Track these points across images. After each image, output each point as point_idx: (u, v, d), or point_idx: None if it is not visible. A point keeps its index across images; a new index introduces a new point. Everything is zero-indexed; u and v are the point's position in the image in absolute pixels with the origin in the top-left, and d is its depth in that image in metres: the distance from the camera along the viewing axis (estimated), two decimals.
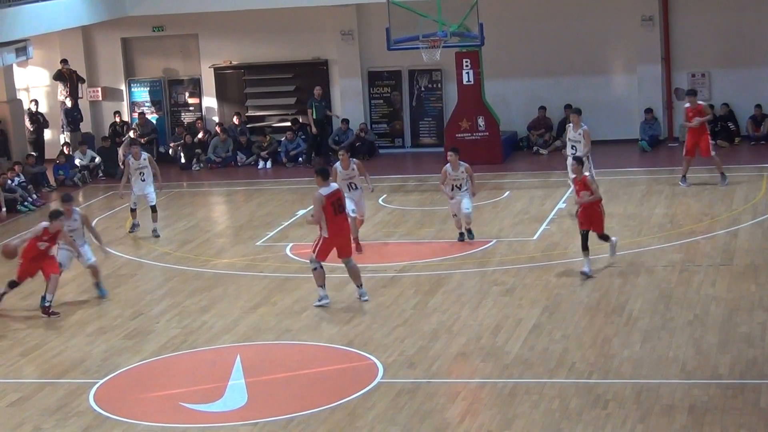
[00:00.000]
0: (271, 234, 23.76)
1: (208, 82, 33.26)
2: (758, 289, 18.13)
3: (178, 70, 33.76)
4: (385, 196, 25.32)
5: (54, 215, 19.36)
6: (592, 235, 19.41)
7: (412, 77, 32.01)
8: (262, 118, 33.06)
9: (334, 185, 18.80)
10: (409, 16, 27.54)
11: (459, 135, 29.50)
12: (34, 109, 32.29)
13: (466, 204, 21.35)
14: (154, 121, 33.27)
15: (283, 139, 31.40)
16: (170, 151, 32.34)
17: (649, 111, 30.31)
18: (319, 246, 18.49)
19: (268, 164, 31.24)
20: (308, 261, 18.92)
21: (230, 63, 33.09)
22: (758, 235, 21.29)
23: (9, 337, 18.38)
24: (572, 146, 23.67)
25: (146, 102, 33.66)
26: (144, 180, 23.89)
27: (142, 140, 31.34)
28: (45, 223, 19.29)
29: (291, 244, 22.71)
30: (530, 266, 20.20)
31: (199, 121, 32.64)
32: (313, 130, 30.72)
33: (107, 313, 19.16)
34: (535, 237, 22.11)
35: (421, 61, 28.26)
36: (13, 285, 19.48)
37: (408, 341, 16.83)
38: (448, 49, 28.38)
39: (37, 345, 17.80)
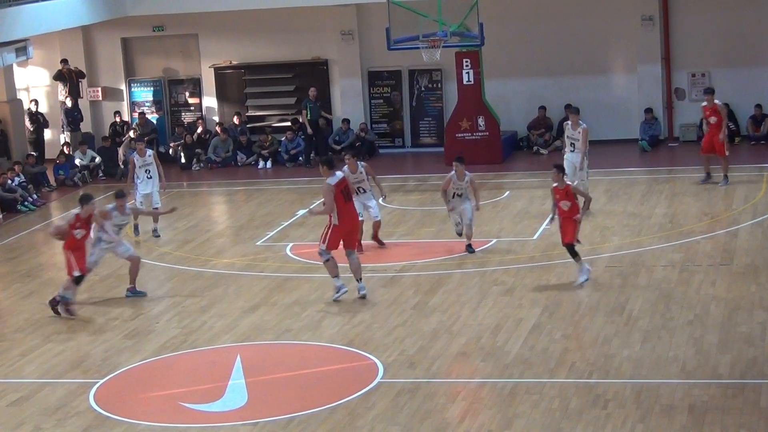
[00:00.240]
0: (271, 234, 23.76)
1: (209, 81, 33.27)
2: (758, 288, 18.13)
3: (178, 70, 33.76)
4: (384, 196, 25.30)
5: (84, 200, 19.16)
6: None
7: (412, 77, 32.01)
8: (262, 118, 33.07)
9: (340, 174, 18.82)
10: (409, 16, 27.53)
11: (459, 135, 29.52)
12: (34, 109, 32.30)
13: (468, 210, 20.93)
14: (155, 121, 33.28)
15: (283, 139, 31.41)
16: (170, 151, 32.34)
17: (649, 111, 30.32)
18: (329, 235, 18.53)
19: (269, 164, 31.24)
20: (318, 254, 18.81)
21: (230, 63, 33.09)
22: (758, 234, 21.29)
23: (9, 337, 18.38)
24: (571, 144, 23.68)
25: (146, 102, 33.67)
26: (150, 177, 23.63)
27: (144, 139, 31.33)
28: (76, 210, 19.10)
29: (291, 244, 22.72)
30: (530, 266, 20.20)
31: (200, 121, 32.64)
32: (309, 130, 30.74)
33: (107, 313, 19.15)
34: (535, 237, 22.11)
35: (421, 60, 28.26)
36: (79, 280, 19.03)
37: (408, 341, 16.83)
38: (448, 49, 28.38)
39: (37, 345, 17.79)
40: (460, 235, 21.24)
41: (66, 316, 18.87)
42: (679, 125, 30.75)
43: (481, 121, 29.49)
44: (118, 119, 33.15)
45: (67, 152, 30.91)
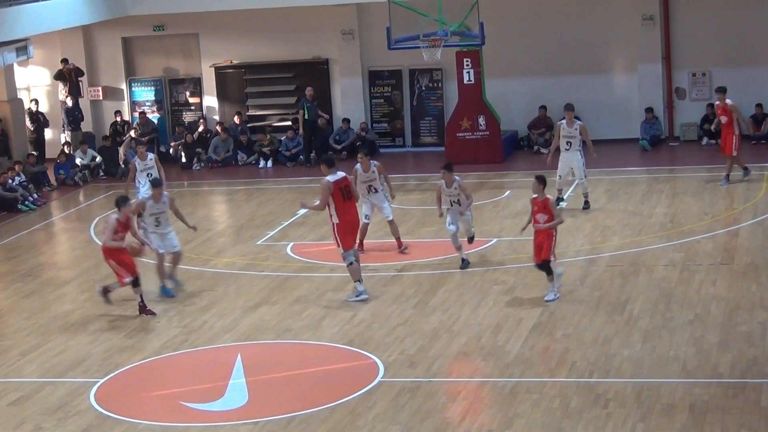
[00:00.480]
0: (272, 233, 23.76)
1: (209, 81, 33.28)
2: (759, 288, 18.13)
3: (178, 70, 33.77)
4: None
5: (122, 202, 18.81)
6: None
7: (413, 76, 32.02)
8: (262, 118, 33.08)
9: (341, 173, 18.73)
10: (410, 16, 27.53)
11: (460, 134, 29.53)
12: (34, 108, 32.31)
13: (466, 216, 20.25)
14: (155, 121, 33.28)
15: (283, 138, 31.41)
16: (171, 151, 32.35)
17: (649, 110, 30.32)
18: (338, 237, 18.56)
19: (269, 163, 31.25)
20: (343, 259, 18.75)
21: (231, 62, 33.10)
22: (759, 234, 21.29)
23: (10, 336, 18.39)
24: (567, 142, 23.70)
25: (147, 101, 33.67)
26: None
27: (143, 139, 31.35)
28: (115, 215, 18.74)
29: (292, 244, 22.72)
30: (531, 265, 20.13)
31: (202, 121, 32.65)
32: (300, 130, 30.77)
33: (108, 312, 19.15)
34: None
35: (421, 60, 28.25)
36: (136, 283, 18.72)
37: (408, 340, 16.83)
38: (449, 49, 28.39)
39: (38, 344, 17.80)
40: (455, 242, 20.19)
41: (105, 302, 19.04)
42: (680, 125, 30.75)
43: (481, 121, 29.50)
44: (118, 119, 33.16)
45: (67, 152, 30.92)
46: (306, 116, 30.65)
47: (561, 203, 24.12)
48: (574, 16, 30.88)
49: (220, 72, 33.15)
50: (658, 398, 14.17)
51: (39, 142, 32.02)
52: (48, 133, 32.74)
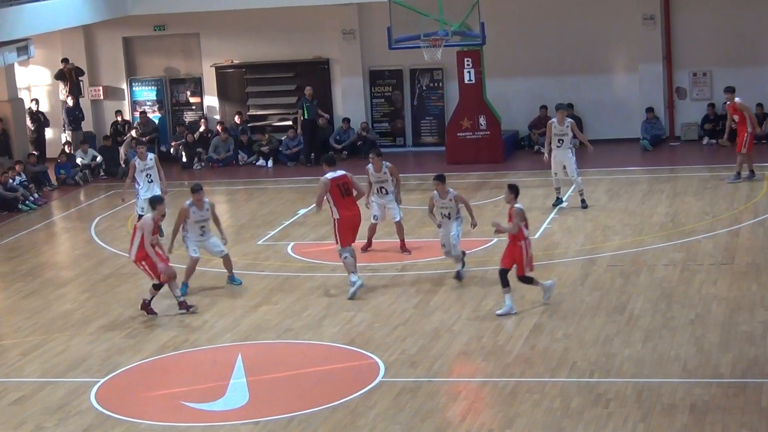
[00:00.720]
0: (273, 233, 23.76)
1: (210, 81, 33.27)
2: (760, 288, 18.12)
3: (179, 69, 33.77)
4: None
5: (158, 201, 18.83)
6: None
7: (414, 76, 32.01)
8: (263, 117, 33.07)
9: (342, 171, 19.11)
10: (411, 15, 27.53)
11: (460, 134, 29.52)
12: (35, 108, 32.31)
13: (453, 231, 19.36)
14: (156, 121, 33.27)
15: (284, 137, 31.41)
16: (171, 150, 32.34)
17: (650, 110, 30.31)
18: (337, 233, 18.83)
19: (270, 163, 31.25)
20: (339, 255, 19.01)
21: (231, 62, 33.09)
22: (759, 234, 21.29)
23: (10, 336, 18.38)
24: (559, 140, 23.80)
25: (148, 101, 33.67)
26: (151, 181, 22.96)
27: (144, 139, 31.37)
28: (150, 215, 18.74)
29: (292, 243, 22.72)
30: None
31: (203, 120, 32.65)
32: (298, 130, 30.77)
33: (109, 312, 19.16)
34: (536, 236, 22.08)
35: (422, 60, 28.25)
36: (160, 286, 18.66)
37: (409, 340, 16.83)
38: (450, 48, 28.38)
39: (39, 344, 17.80)
40: (447, 255, 19.71)
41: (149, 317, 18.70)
42: (681, 124, 30.75)
43: (482, 121, 29.49)
44: (119, 118, 33.16)
45: (68, 151, 30.92)
46: (305, 116, 30.64)
47: (561, 204, 24.15)
48: (575, 16, 30.87)
49: (220, 72, 33.15)
50: (659, 398, 14.17)
51: (40, 141, 32.01)
52: (49, 133, 32.74)
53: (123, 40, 33.58)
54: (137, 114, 33.18)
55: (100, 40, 33.57)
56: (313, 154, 30.60)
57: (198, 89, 33.50)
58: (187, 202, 19.57)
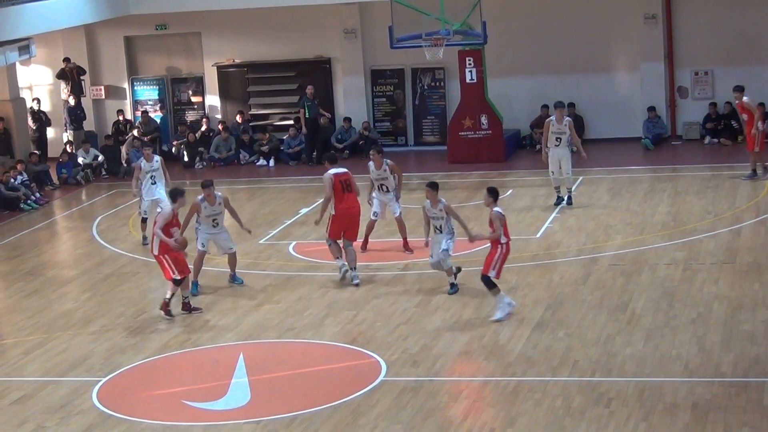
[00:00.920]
0: (274, 232, 23.76)
1: (211, 80, 33.27)
2: (761, 287, 18.12)
3: (181, 69, 33.77)
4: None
5: (179, 193, 18.64)
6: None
7: (415, 75, 32.01)
8: (265, 117, 33.07)
9: (343, 169, 19.89)
10: (412, 15, 27.52)
11: (462, 133, 29.52)
12: (36, 107, 32.32)
13: (444, 246, 18.47)
14: (157, 120, 33.28)
15: (286, 136, 31.41)
16: (173, 150, 32.34)
17: (652, 109, 30.30)
18: (329, 225, 19.58)
19: (271, 162, 31.25)
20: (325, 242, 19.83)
21: (233, 61, 33.09)
22: (761, 233, 21.28)
23: (12, 335, 18.39)
24: (557, 138, 23.81)
25: (149, 100, 33.68)
26: (155, 183, 22.63)
27: (146, 138, 31.39)
28: (169, 207, 18.61)
29: (294, 243, 22.72)
30: (533, 264, 20.19)
31: (205, 120, 32.66)
32: (303, 129, 30.77)
33: (110, 311, 19.16)
34: (537, 235, 22.10)
35: (424, 59, 28.23)
36: (180, 282, 18.48)
37: (411, 339, 16.83)
38: (451, 48, 28.36)
39: (40, 343, 17.80)
40: (434, 266, 18.87)
41: (167, 318, 18.50)
42: (682, 123, 30.74)
43: (484, 120, 29.49)
44: (121, 118, 33.17)
45: (69, 151, 30.92)
46: (307, 115, 30.64)
47: (562, 203, 24.12)
48: (577, 15, 30.87)
49: (222, 71, 33.15)
50: (661, 397, 14.16)
51: (41, 141, 32.02)
52: (50, 132, 32.75)
53: (124, 40, 33.59)
54: (139, 113, 33.19)
55: (102, 40, 33.57)
56: (314, 154, 30.60)
57: (199, 88, 33.51)
58: (199, 198, 19.55)
